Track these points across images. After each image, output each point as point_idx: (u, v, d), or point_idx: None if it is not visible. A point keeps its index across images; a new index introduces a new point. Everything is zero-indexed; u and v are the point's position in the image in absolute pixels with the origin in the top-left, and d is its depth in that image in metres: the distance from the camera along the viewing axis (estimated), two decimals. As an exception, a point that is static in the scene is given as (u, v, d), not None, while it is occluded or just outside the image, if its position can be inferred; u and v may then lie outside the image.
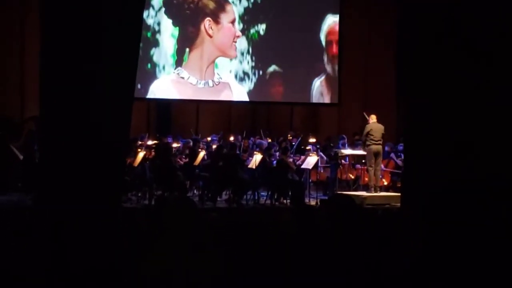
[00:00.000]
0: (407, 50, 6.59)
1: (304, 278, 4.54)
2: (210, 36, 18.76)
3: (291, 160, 16.20)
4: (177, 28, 18.78)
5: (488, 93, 5.87)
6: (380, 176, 16.79)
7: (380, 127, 15.93)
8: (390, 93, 21.44)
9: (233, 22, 19.04)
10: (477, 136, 5.87)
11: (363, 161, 16.65)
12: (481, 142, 5.87)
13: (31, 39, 17.85)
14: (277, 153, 16.29)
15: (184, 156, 16.34)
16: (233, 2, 19.16)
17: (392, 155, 17.38)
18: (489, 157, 5.85)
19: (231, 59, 19.50)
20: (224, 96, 19.50)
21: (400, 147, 17.04)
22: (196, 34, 18.76)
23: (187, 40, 18.85)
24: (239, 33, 19.26)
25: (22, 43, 19.38)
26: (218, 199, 15.37)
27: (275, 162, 15.79)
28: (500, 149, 5.84)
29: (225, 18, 18.89)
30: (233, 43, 19.15)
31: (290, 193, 15.57)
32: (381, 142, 15.85)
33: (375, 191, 15.77)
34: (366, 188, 16.18)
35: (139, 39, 6.78)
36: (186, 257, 4.23)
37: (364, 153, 16.16)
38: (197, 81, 18.98)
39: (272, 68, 20.39)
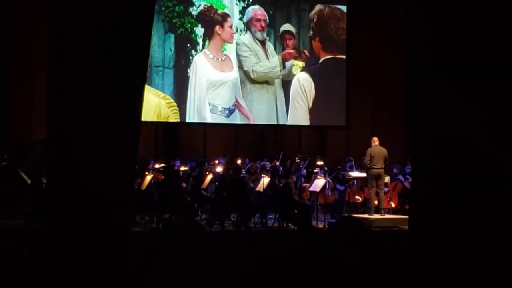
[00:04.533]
0: (415, 71, 6.60)
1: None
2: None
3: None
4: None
5: (498, 112, 5.88)
6: (388, 199, 16.80)
7: (382, 151, 15.96)
8: (398, 115, 21.45)
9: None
10: (487, 157, 5.87)
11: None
12: (490, 163, 5.86)
13: (40, 63, 17.91)
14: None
15: (192, 179, 16.35)
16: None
17: (400, 177, 17.35)
18: (500, 178, 5.84)
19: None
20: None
21: (408, 169, 17.01)
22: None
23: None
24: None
25: (31, 68, 19.44)
26: (226, 222, 15.34)
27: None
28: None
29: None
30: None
31: (297, 216, 15.54)
32: (382, 166, 15.91)
33: (381, 214, 15.81)
34: (376, 210, 16.14)
35: (147, 61, 6.80)
36: (193, 281, 4.21)
37: (371, 175, 16.20)
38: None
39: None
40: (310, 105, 21.46)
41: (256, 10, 21.28)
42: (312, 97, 21.44)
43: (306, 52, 21.44)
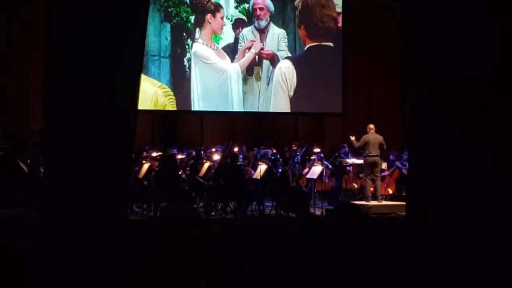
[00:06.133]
0: (412, 58, 6.60)
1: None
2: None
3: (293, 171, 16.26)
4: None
5: (494, 100, 5.88)
6: (385, 186, 16.82)
7: (378, 138, 15.94)
8: (395, 102, 21.45)
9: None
10: (483, 143, 5.87)
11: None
12: (486, 149, 5.87)
13: (36, 53, 17.89)
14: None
15: (188, 168, 16.36)
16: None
17: (397, 163, 17.36)
18: (496, 164, 5.85)
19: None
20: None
21: (405, 156, 17.01)
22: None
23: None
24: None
25: (27, 58, 19.44)
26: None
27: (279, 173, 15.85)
28: (508, 156, 5.84)
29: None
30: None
31: (294, 204, 15.52)
32: (377, 154, 15.90)
33: (379, 200, 15.84)
34: (373, 197, 16.15)
35: (143, 50, 6.80)
36: (191, 269, 4.22)
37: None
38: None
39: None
40: (291, 93, 21.21)
41: (256, -2, 21.20)
42: (293, 84, 21.23)
43: (264, 52, 21.22)
